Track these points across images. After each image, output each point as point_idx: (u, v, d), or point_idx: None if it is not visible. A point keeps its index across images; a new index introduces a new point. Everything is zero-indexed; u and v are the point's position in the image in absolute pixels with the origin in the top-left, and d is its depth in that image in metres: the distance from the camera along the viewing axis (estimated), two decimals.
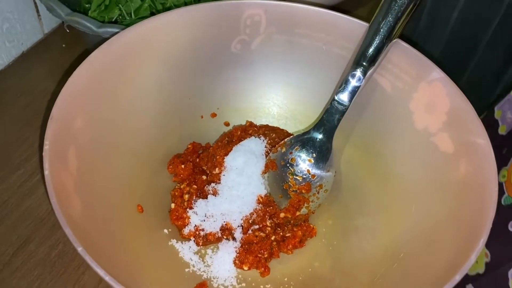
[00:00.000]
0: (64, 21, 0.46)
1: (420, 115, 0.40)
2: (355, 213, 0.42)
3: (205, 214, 0.40)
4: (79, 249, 0.26)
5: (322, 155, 0.40)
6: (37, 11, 0.55)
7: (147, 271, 0.36)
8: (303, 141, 0.41)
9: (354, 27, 0.42)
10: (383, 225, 0.40)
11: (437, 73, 0.39)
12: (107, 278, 0.25)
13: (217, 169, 0.41)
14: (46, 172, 0.29)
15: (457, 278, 0.27)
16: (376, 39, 0.38)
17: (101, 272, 0.25)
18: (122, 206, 0.38)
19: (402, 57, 0.41)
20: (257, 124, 0.46)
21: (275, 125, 0.46)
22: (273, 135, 0.44)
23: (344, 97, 0.39)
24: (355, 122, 0.44)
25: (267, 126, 0.46)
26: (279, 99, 0.48)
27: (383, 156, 0.43)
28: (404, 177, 0.40)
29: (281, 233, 0.40)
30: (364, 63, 0.39)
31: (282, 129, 0.45)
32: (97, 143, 0.37)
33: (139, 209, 0.40)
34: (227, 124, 0.47)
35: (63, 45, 0.57)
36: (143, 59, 0.41)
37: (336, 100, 0.39)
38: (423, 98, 0.40)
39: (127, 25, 0.40)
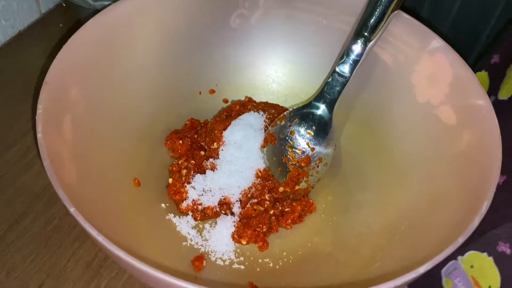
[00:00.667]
0: None
1: (422, 88, 0.40)
2: (356, 188, 0.42)
3: (203, 189, 0.40)
4: (72, 209, 0.26)
5: (322, 128, 0.39)
6: None
7: (144, 243, 0.35)
8: (303, 114, 0.40)
9: (354, 0, 0.41)
10: (384, 199, 0.39)
11: (437, 42, 0.38)
12: (100, 238, 0.24)
13: (215, 144, 0.41)
14: (39, 135, 0.29)
15: (460, 240, 0.26)
16: (378, 10, 0.38)
17: (93, 232, 0.25)
18: (118, 179, 0.38)
19: (402, 29, 0.40)
20: (257, 101, 0.46)
21: (274, 102, 0.46)
22: (273, 111, 0.43)
23: (345, 68, 0.39)
24: (356, 97, 0.44)
25: (266, 102, 0.45)
26: (279, 76, 0.47)
27: (385, 130, 0.42)
28: (406, 151, 0.40)
29: (280, 208, 0.39)
30: (366, 34, 0.38)
31: (282, 106, 0.45)
32: (93, 115, 0.37)
33: (136, 183, 0.39)
34: (225, 101, 0.47)
35: (60, 25, 0.57)
36: (140, 31, 0.40)
37: (337, 72, 0.39)
38: (425, 70, 0.39)
39: None
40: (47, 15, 0.58)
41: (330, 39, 0.44)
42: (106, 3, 0.44)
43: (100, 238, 0.24)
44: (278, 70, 0.47)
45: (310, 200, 0.40)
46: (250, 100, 0.45)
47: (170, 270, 0.29)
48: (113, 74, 0.39)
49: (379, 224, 0.38)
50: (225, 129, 0.41)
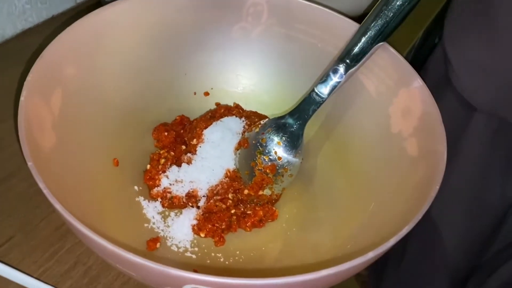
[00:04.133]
0: None
1: (397, 119, 0.41)
2: (321, 205, 0.43)
3: (176, 179, 0.42)
4: (29, 163, 0.29)
5: (292, 140, 0.41)
6: None
7: (107, 216, 0.38)
8: (277, 124, 0.42)
9: (347, 27, 0.43)
10: (341, 219, 0.41)
11: (418, 83, 0.40)
12: (45, 191, 0.27)
13: (195, 140, 0.43)
14: (21, 99, 0.32)
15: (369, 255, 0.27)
16: (363, 40, 0.40)
17: (41, 185, 0.28)
18: (98, 156, 0.40)
19: (387, 61, 0.42)
20: (247, 110, 0.48)
21: (262, 113, 0.48)
22: (256, 120, 0.45)
23: (323, 89, 0.40)
24: (338, 120, 0.46)
25: (255, 112, 0.47)
26: (271, 88, 0.49)
27: (358, 155, 0.44)
28: (371, 177, 0.41)
29: (242, 209, 0.41)
30: (347, 61, 0.40)
31: (267, 117, 0.47)
32: (86, 95, 0.40)
33: (115, 162, 0.42)
34: (217, 104, 0.49)
35: None
36: (143, 26, 0.44)
37: (315, 91, 0.41)
38: (402, 103, 0.41)
39: None
40: (81, 5, 0.62)
41: (322, 62, 0.45)
42: None
43: (46, 191, 0.27)
44: (271, 85, 0.49)
45: (273, 208, 0.42)
46: (237, 106, 0.47)
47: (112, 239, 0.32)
48: (110, 61, 0.42)
49: (329, 239, 0.39)
50: (206, 128, 0.44)
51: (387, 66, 0.42)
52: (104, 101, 0.42)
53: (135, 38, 0.43)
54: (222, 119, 0.44)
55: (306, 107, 0.41)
